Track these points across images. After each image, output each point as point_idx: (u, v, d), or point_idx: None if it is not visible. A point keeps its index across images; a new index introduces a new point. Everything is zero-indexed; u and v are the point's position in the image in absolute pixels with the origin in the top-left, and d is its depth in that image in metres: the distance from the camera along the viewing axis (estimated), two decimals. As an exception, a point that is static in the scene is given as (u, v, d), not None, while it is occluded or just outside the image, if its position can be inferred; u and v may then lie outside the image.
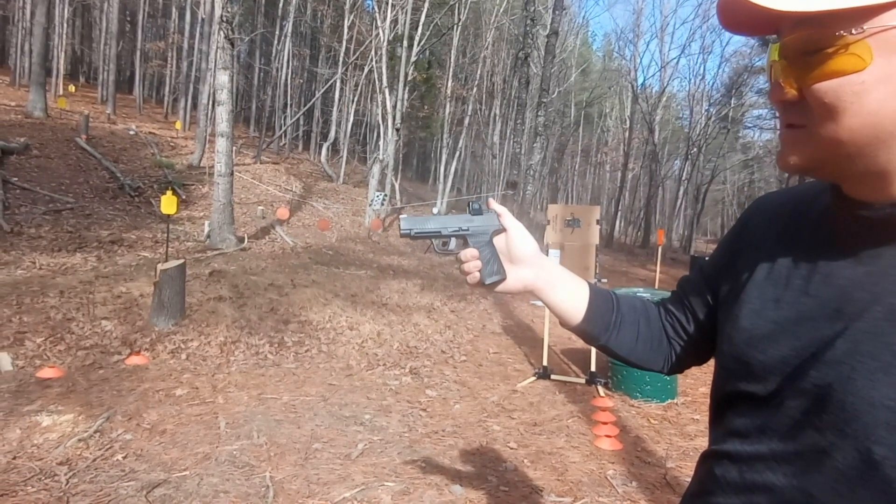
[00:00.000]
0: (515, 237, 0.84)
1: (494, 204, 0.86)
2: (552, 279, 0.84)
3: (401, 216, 0.88)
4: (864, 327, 0.53)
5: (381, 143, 15.53)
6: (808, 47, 0.50)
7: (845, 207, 0.58)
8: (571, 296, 0.84)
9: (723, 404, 0.68)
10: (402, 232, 0.87)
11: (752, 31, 0.57)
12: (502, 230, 0.85)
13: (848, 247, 0.57)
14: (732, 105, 24.56)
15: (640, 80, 25.74)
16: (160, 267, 4.75)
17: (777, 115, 0.60)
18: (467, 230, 0.86)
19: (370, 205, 12.97)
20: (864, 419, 0.50)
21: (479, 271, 0.83)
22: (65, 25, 20.33)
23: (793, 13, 0.49)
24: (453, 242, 0.88)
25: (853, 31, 0.48)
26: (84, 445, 2.84)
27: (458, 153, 20.02)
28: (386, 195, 13.34)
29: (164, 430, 3.12)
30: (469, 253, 0.84)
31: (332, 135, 21.10)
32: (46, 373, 3.72)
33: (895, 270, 0.53)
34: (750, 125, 27.46)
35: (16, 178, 8.88)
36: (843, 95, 0.49)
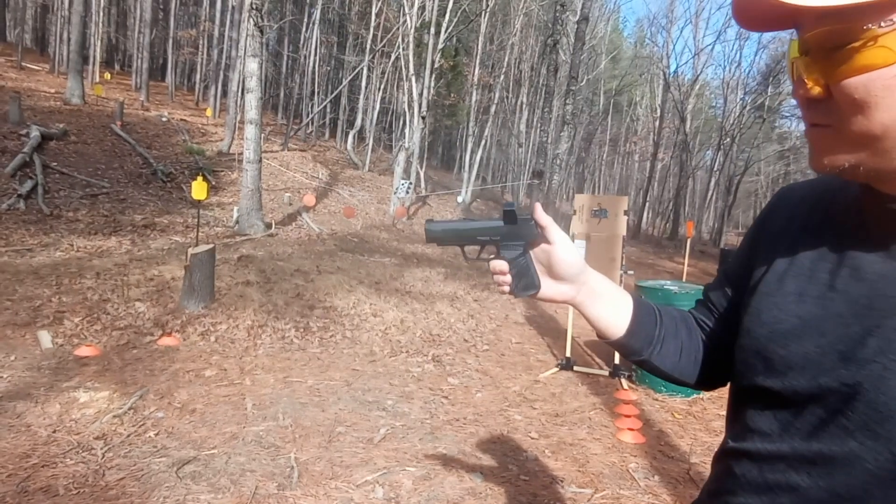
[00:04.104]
0: (561, 254, 0.76)
1: (540, 214, 0.77)
2: (594, 293, 0.78)
3: (427, 221, 0.81)
4: None
5: (406, 130, 15.52)
6: (834, 42, 0.49)
7: (876, 200, 0.56)
8: (613, 309, 0.79)
9: (741, 400, 0.66)
10: (428, 237, 0.80)
11: (770, 26, 0.55)
12: (540, 241, 0.77)
13: (878, 240, 0.56)
14: (769, 93, 23.73)
15: (672, 68, 25.25)
16: (191, 251, 4.87)
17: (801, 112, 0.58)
18: (498, 238, 0.78)
19: (395, 193, 13.02)
20: None
21: (510, 284, 0.77)
22: (101, 14, 20.82)
23: (816, 8, 0.47)
24: (484, 249, 0.80)
25: (882, 24, 0.46)
26: (119, 422, 2.96)
27: (483, 142, 19.88)
28: (411, 183, 13.34)
29: (194, 410, 3.22)
30: (498, 265, 0.78)
31: (358, 122, 21.18)
32: (84, 351, 3.87)
33: None
34: (787, 114, 26.51)
35: (55, 163, 9.19)
36: (874, 90, 0.48)
